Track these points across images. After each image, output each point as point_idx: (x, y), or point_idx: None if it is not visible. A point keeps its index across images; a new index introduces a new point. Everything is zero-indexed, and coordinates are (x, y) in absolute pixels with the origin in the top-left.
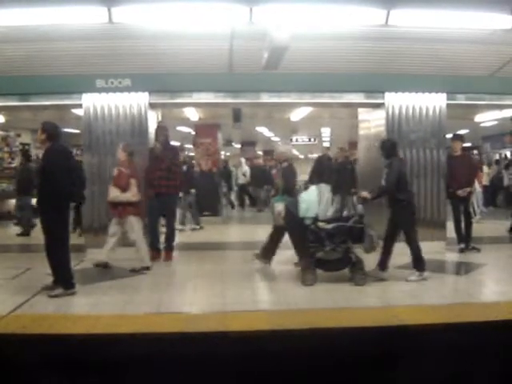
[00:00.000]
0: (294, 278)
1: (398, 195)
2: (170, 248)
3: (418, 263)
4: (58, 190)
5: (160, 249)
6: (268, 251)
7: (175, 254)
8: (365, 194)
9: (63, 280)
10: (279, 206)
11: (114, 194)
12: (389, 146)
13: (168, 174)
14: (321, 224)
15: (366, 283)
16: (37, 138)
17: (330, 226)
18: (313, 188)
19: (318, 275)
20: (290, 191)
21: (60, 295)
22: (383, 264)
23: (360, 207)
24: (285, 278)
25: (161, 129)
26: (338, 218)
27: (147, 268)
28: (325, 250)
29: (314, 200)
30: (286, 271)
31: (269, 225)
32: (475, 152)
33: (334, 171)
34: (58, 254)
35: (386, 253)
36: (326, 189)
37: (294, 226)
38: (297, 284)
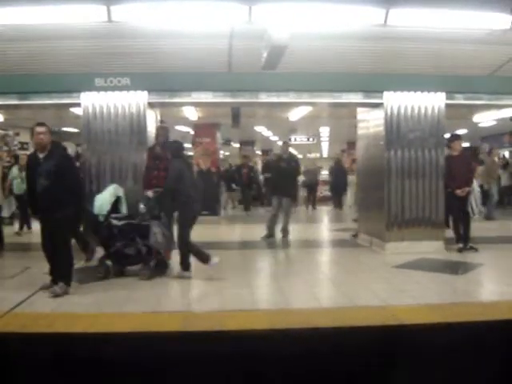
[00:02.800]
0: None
1: (177, 195)
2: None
3: (184, 262)
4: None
5: None
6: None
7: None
8: (149, 193)
9: (68, 277)
10: None
11: None
12: (174, 148)
13: (166, 174)
14: (113, 221)
15: (152, 278)
16: (38, 139)
17: (120, 223)
18: (108, 187)
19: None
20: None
21: (60, 294)
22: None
23: (142, 206)
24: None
25: (162, 129)
26: (129, 215)
27: None
28: (117, 246)
29: (107, 198)
30: None
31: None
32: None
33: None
34: (68, 254)
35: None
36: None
37: (89, 222)
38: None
